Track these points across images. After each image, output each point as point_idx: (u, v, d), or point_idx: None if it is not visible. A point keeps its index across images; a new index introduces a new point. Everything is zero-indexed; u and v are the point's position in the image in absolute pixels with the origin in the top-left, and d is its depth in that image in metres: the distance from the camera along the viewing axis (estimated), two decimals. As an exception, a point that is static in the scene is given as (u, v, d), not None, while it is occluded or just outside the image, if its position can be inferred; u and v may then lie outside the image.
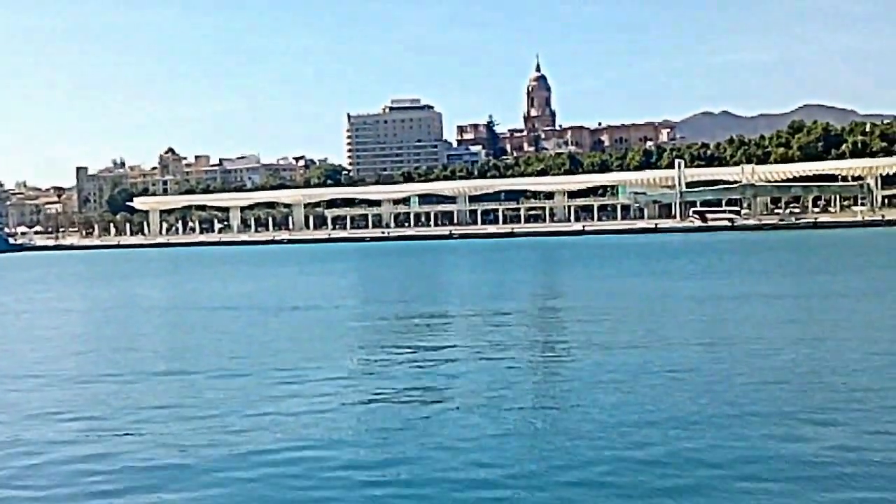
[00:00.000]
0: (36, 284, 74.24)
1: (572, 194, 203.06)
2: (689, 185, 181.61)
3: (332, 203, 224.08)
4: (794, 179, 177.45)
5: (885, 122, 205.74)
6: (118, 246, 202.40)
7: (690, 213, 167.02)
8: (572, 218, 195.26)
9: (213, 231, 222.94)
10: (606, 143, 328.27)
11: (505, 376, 22.44)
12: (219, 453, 16.07)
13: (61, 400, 21.41)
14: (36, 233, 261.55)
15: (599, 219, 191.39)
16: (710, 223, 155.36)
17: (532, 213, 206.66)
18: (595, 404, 18.96)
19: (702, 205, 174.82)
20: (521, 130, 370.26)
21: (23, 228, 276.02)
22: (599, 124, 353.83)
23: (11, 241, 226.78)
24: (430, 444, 16.23)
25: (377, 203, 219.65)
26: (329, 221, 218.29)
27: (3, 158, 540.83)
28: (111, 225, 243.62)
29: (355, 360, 25.89)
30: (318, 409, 19.11)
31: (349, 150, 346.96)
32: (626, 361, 24.24)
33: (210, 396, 21.02)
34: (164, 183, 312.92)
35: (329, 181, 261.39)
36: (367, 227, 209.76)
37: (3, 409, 20.38)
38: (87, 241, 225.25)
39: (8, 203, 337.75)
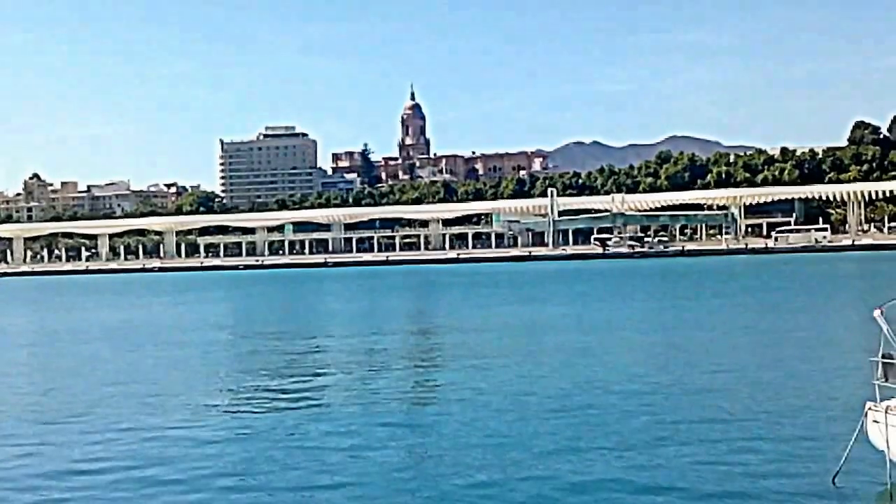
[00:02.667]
0: None
1: (447, 222, 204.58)
2: (561, 213, 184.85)
3: (204, 231, 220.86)
4: (663, 208, 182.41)
5: (748, 153, 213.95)
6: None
7: (592, 241, 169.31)
8: (447, 246, 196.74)
9: (80, 259, 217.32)
10: (481, 172, 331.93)
11: (374, 402, 22.64)
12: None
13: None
14: None
15: (474, 246, 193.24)
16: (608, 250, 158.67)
17: (407, 240, 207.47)
18: (457, 421, 19.37)
19: (574, 233, 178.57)
20: (396, 158, 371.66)
21: None
22: (473, 153, 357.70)
23: None
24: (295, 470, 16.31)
25: (251, 231, 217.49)
26: (202, 249, 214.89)
27: None
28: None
29: (223, 392, 25.70)
30: (175, 442, 18.94)
31: (222, 177, 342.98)
32: (492, 380, 24.74)
33: (69, 431, 20.66)
34: (29, 209, 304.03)
35: (202, 208, 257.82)
36: (240, 254, 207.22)
37: None
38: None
39: None
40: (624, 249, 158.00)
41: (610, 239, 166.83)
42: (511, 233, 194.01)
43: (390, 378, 26.62)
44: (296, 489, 15.31)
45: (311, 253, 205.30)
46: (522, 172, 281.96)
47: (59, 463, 17.51)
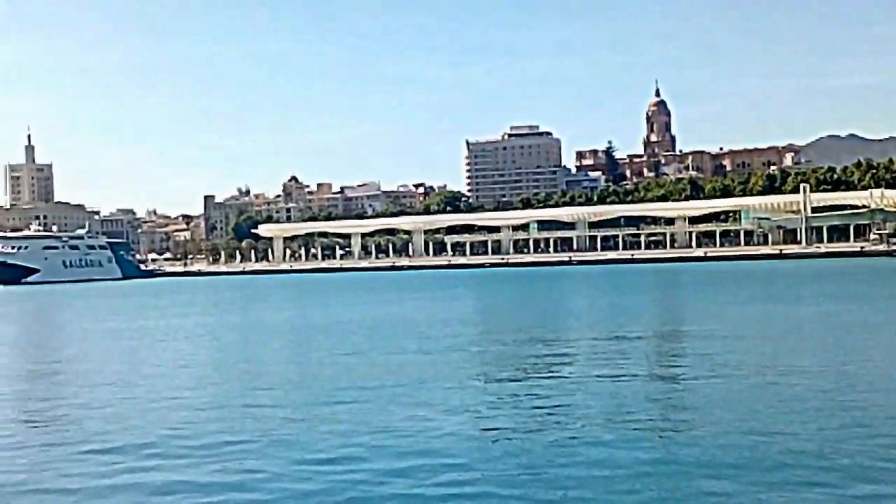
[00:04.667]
0: (175, 308, 76.24)
1: (693, 220, 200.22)
2: (814, 209, 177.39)
3: (451, 229, 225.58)
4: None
5: None
6: (243, 272, 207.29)
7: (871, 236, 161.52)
8: (693, 244, 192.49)
9: (334, 257, 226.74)
10: (728, 168, 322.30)
11: (630, 401, 22.26)
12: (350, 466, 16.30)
13: (189, 423, 22.01)
14: (165, 259, 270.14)
15: (722, 245, 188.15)
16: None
17: (652, 238, 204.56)
18: (727, 426, 18.72)
19: (828, 230, 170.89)
20: (641, 155, 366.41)
21: (153, 255, 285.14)
22: (721, 149, 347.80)
23: (143, 267, 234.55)
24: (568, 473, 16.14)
25: (496, 229, 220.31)
26: (448, 248, 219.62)
27: (134, 187, 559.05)
28: (237, 252, 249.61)
29: (481, 382, 25.97)
30: (446, 433, 19.15)
31: (468, 177, 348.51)
32: (750, 385, 23.91)
33: (344, 418, 21.36)
34: (288, 210, 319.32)
35: (448, 208, 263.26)
36: (486, 253, 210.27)
37: (150, 435, 20.86)
38: (213, 268, 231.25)
39: (139, 231, 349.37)
40: (882, 248, 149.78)
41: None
42: (761, 230, 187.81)
43: (640, 381, 26.12)
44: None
45: (555, 251, 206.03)
46: (773, 168, 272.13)
47: (327, 445, 17.95)
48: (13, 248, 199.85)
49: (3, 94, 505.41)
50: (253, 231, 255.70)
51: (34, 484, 16.38)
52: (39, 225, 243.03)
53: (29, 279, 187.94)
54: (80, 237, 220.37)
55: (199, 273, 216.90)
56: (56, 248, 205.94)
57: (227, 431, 20.06)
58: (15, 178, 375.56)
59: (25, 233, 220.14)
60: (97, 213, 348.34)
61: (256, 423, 20.99)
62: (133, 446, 18.95)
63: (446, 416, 20.82)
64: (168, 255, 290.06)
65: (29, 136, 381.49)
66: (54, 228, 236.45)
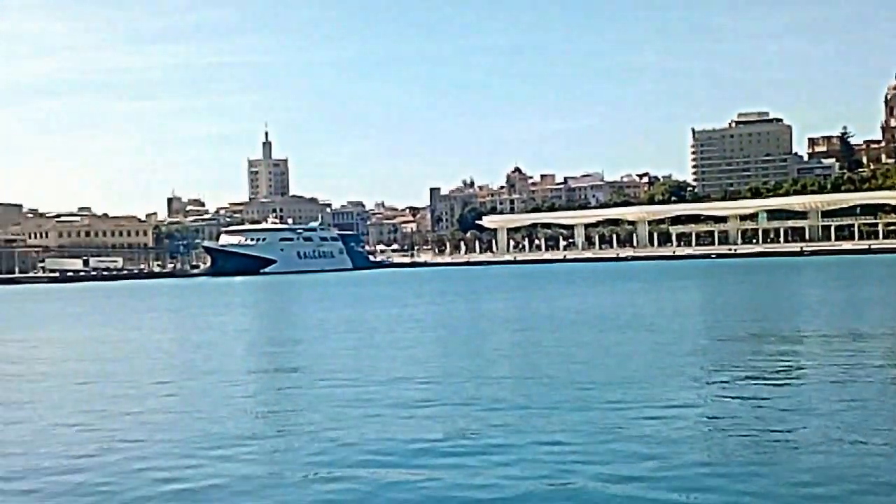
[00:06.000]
0: (406, 298, 78.02)
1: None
2: None
3: (676, 220, 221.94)
4: None
5: None
6: (468, 263, 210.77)
7: None
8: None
9: (557, 248, 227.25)
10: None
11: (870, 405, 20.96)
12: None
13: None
14: (393, 250, 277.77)
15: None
16: None
17: (891, 228, 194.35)
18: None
19: None
20: (879, 141, 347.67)
21: (381, 246, 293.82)
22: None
23: (371, 258, 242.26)
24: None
25: (723, 219, 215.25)
26: (673, 238, 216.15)
27: (363, 180, 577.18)
28: (461, 243, 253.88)
29: (712, 378, 25.46)
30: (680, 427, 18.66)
31: (693, 166, 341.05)
32: None
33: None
34: (512, 201, 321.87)
35: (673, 198, 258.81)
36: (712, 243, 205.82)
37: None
38: (439, 259, 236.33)
39: (368, 223, 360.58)
40: None
41: None
42: None
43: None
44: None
45: (785, 241, 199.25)
46: None
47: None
48: (252, 240, 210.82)
49: (241, 91, 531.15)
50: (477, 222, 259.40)
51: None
52: (276, 218, 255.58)
53: (266, 269, 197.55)
54: (314, 229, 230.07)
55: (426, 264, 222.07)
56: (291, 239, 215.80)
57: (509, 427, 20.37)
58: (253, 172, 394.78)
59: (263, 225, 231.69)
60: (329, 205, 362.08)
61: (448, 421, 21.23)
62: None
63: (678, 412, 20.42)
64: (395, 246, 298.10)
65: (266, 133, 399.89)
66: (289, 221, 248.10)
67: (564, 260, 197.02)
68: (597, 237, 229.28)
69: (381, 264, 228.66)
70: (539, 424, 18.85)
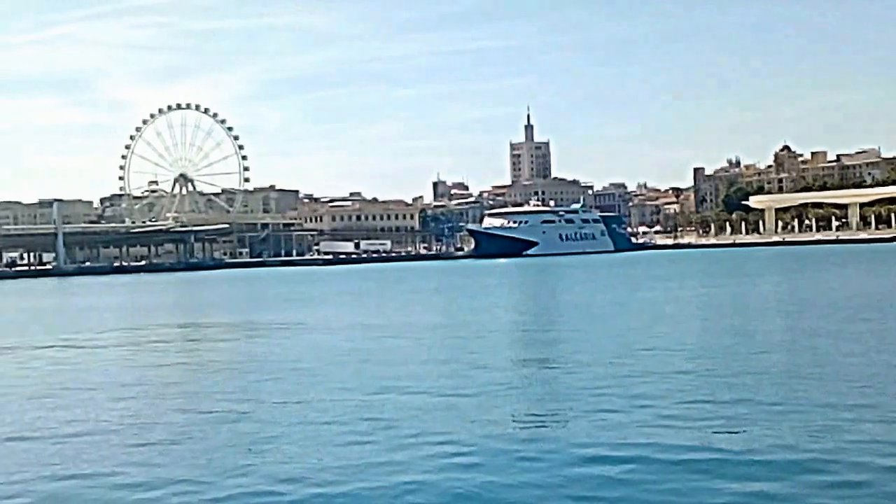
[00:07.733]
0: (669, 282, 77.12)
1: None
2: None
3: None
4: None
5: None
6: (733, 244, 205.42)
7: None
8: None
9: (829, 229, 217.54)
10: None
11: None
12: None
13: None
14: (656, 232, 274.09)
15: None
16: None
17: None
18: None
19: None
20: None
21: (643, 228, 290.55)
22: None
23: (634, 240, 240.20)
24: None
25: None
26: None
27: (625, 162, 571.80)
28: (727, 224, 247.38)
29: None
30: None
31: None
32: None
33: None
34: (780, 181, 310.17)
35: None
36: None
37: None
38: (703, 240, 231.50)
39: (630, 204, 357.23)
40: None
41: None
42: None
43: None
44: None
45: None
46: None
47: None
48: (515, 222, 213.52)
49: (504, 75, 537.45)
50: (743, 203, 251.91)
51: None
52: (538, 200, 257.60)
53: (529, 252, 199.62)
54: (575, 211, 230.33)
55: (690, 245, 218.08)
56: (553, 222, 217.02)
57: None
58: (515, 156, 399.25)
59: (525, 208, 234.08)
60: (591, 187, 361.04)
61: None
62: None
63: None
64: (658, 227, 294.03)
65: (528, 116, 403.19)
66: (551, 203, 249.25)
67: (837, 241, 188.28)
68: (873, 217, 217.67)
69: (643, 246, 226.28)
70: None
